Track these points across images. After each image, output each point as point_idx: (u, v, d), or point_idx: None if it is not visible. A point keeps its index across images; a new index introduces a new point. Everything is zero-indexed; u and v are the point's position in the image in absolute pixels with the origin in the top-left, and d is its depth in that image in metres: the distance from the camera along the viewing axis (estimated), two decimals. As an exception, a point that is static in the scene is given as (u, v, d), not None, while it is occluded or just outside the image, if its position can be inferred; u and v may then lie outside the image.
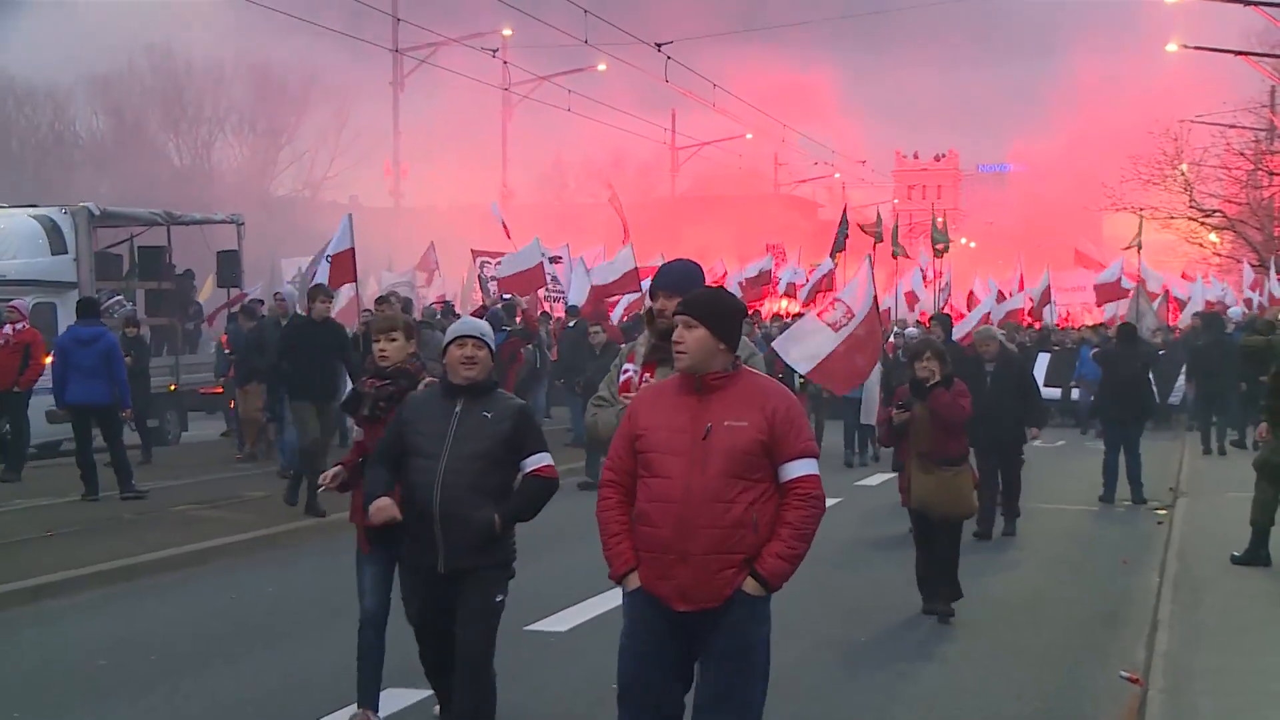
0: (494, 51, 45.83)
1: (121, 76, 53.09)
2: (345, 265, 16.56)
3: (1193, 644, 8.29)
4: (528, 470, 5.91)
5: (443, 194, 58.40)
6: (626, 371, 5.86)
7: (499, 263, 25.72)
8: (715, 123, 57.19)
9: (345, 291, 17.07)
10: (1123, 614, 9.96)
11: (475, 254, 27.97)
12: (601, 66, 48.42)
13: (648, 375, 5.68)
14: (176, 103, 54.82)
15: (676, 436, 4.79)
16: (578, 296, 24.19)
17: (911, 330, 21.51)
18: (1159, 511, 14.87)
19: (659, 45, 34.91)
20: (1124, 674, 8.05)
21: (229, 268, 22.58)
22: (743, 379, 4.88)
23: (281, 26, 40.16)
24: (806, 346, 14.34)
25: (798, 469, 4.77)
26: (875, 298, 14.56)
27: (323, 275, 16.83)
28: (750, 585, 4.73)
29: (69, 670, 8.16)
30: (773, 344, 16.15)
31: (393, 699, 6.96)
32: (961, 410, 9.76)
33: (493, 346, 6.05)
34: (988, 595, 10.66)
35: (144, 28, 50.63)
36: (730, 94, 45.86)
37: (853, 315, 14.20)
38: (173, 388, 21.24)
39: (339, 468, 6.63)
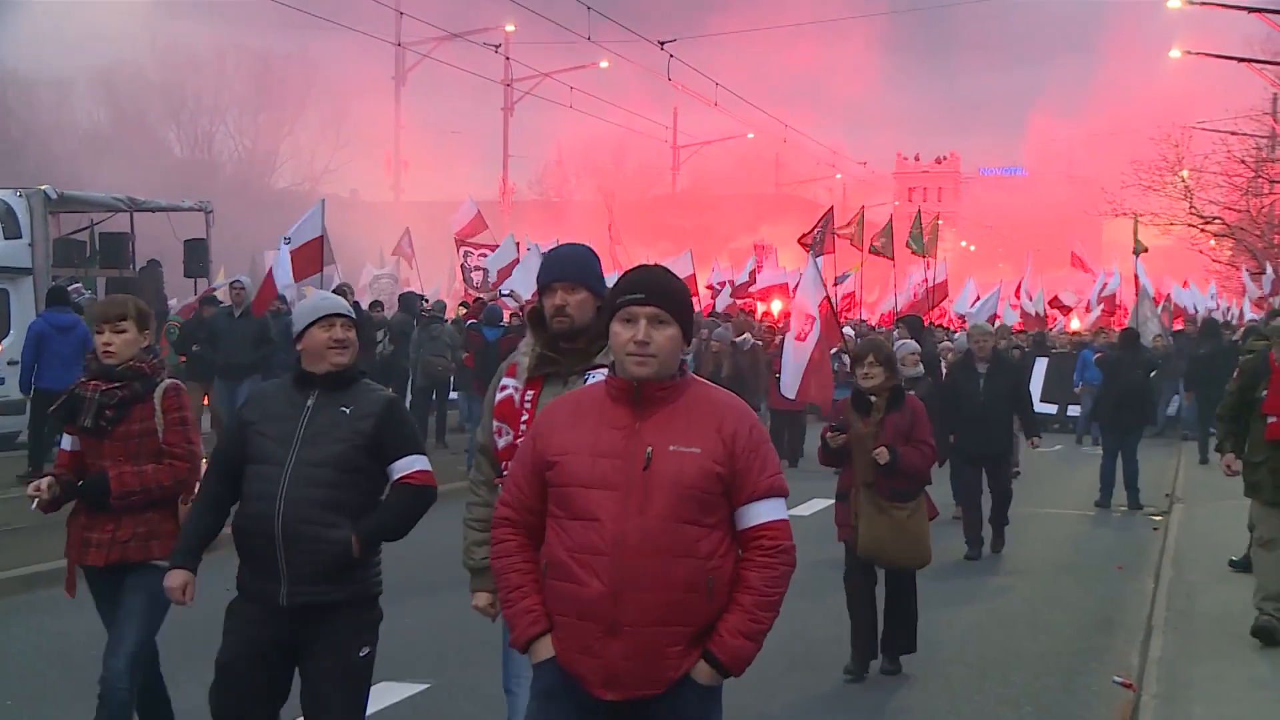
0: (496, 47, 45.94)
1: (123, 67, 53.07)
2: (313, 254, 15.31)
3: (1187, 650, 8.30)
4: (396, 477, 4.86)
5: (443, 188, 58.42)
6: (505, 388, 4.60)
7: (483, 254, 25.22)
8: (717, 121, 57.32)
9: (315, 282, 16.29)
10: (1117, 619, 9.96)
11: (459, 242, 26.42)
12: (604, 63, 48.45)
13: (530, 393, 4.50)
14: (177, 94, 54.80)
15: (604, 464, 3.64)
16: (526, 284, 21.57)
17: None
18: (1155, 518, 14.86)
19: (662, 43, 34.97)
20: (1117, 679, 8.05)
21: (196, 257, 21.24)
22: (690, 389, 3.76)
23: (284, 19, 40.20)
24: (790, 370, 14.38)
25: (764, 512, 3.68)
26: (827, 296, 14.64)
27: (284, 265, 15.92)
28: (703, 673, 3.62)
29: (62, 660, 8.12)
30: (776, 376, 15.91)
31: (385, 693, 6.85)
32: (929, 458, 8.18)
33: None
34: (982, 599, 10.66)
35: (147, 18, 50.63)
36: (733, 93, 45.96)
37: (814, 319, 14.18)
38: None
39: (50, 478, 5.54)
